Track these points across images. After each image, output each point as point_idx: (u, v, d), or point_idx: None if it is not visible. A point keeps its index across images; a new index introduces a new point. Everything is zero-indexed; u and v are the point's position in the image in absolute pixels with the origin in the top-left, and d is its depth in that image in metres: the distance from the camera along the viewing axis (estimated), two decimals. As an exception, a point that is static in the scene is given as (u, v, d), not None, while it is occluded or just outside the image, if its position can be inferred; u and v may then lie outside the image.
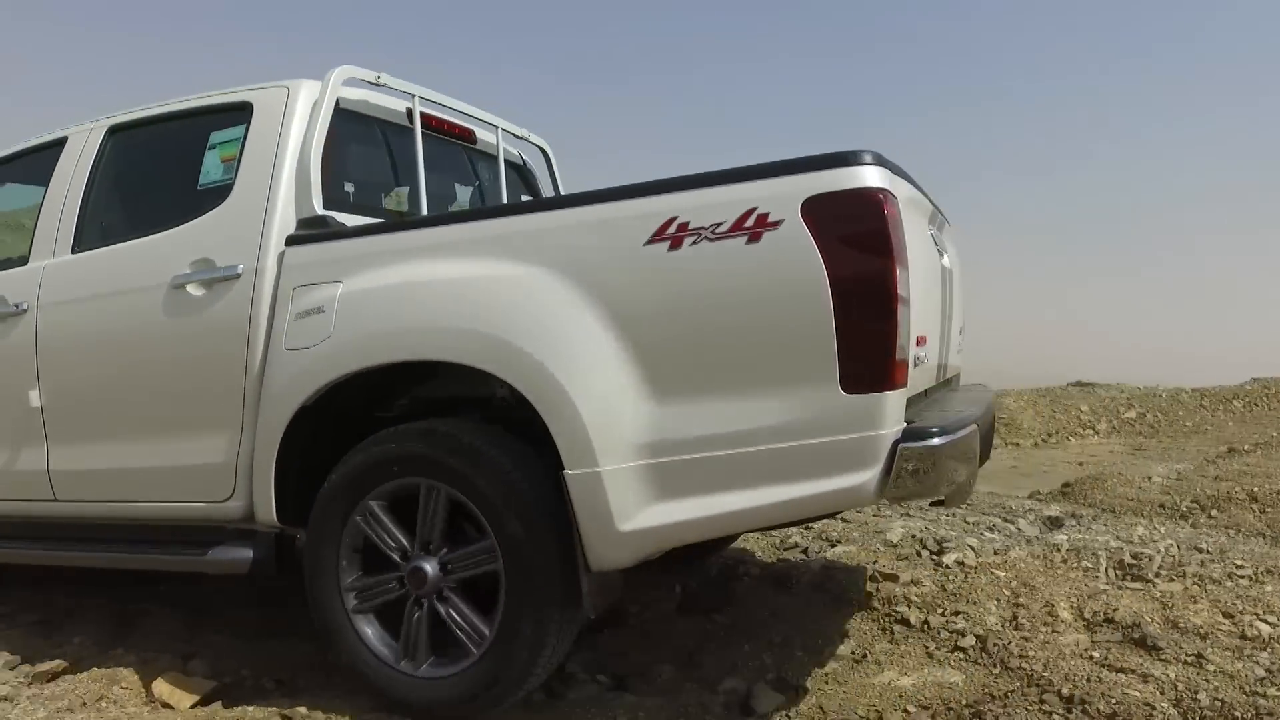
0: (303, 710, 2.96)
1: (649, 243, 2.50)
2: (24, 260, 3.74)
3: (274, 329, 3.04)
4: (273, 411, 2.99)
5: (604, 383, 2.53)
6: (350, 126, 3.55)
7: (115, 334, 3.41)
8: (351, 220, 3.25)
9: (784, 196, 2.37)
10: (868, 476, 2.31)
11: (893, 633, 3.65)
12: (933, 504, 3.60)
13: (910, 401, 2.51)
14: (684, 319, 2.48)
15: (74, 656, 3.59)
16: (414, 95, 3.68)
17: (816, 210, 2.34)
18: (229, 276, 3.16)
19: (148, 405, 3.35)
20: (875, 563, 4.45)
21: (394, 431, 2.91)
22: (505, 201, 4.13)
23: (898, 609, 3.81)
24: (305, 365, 2.94)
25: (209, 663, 3.49)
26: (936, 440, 2.34)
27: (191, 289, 3.23)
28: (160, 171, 3.74)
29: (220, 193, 3.32)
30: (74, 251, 3.62)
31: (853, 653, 3.47)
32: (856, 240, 2.32)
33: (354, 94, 3.55)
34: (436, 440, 2.79)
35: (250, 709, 3.02)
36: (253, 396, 3.06)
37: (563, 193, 4.51)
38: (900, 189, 2.49)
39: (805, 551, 4.78)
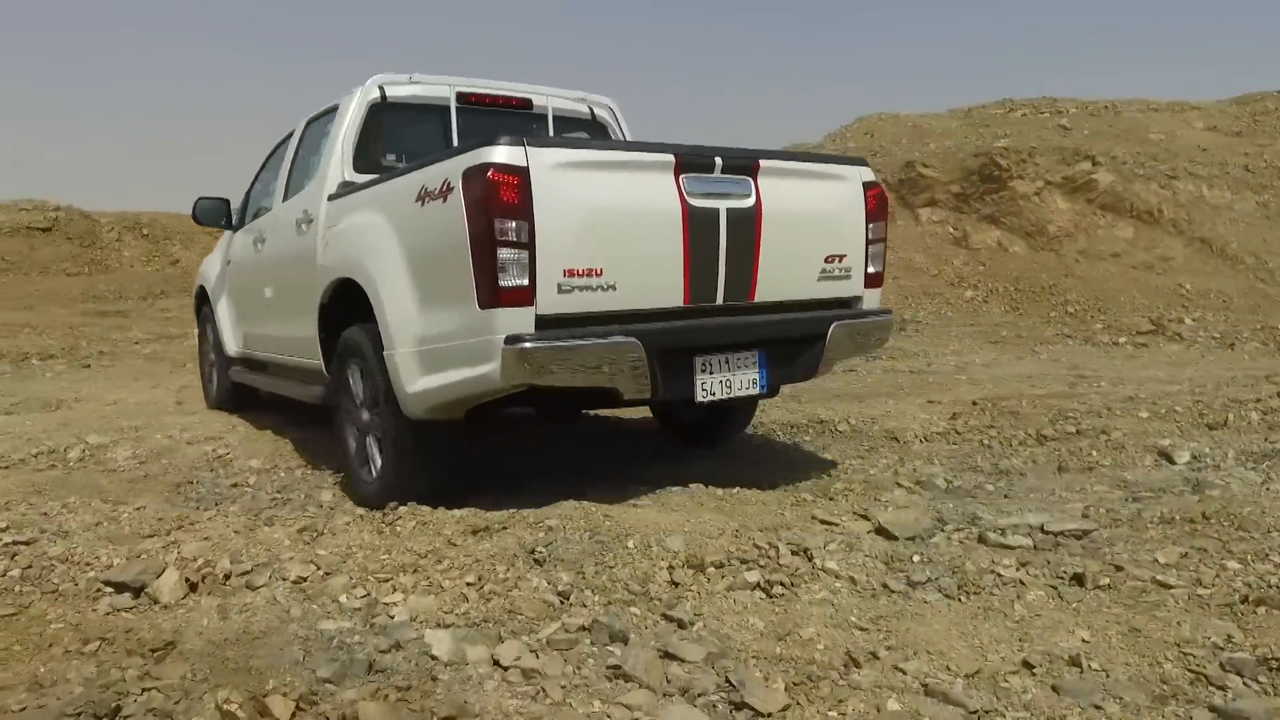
0: None
1: (414, 200, 3.50)
2: (269, 210, 5.56)
3: (321, 254, 4.45)
4: (315, 305, 4.46)
5: (399, 295, 3.62)
6: (399, 114, 4.77)
7: (280, 254, 5.17)
8: None
9: (456, 170, 3.23)
10: (492, 366, 3.19)
11: None
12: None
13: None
14: (424, 253, 3.52)
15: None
16: (450, 85, 4.79)
17: (466, 180, 3.17)
18: (310, 220, 4.64)
19: (293, 297, 4.89)
20: None
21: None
22: None
23: None
24: (321, 277, 4.41)
25: None
26: (525, 344, 3.12)
27: (302, 227, 4.72)
28: (313, 150, 5.02)
29: (320, 166, 4.72)
30: (283, 202, 5.28)
31: None
32: (477, 201, 3.13)
33: (405, 90, 4.74)
34: (349, 336, 4.14)
35: None
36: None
37: (628, 138, 5.24)
38: (545, 159, 3.16)
39: None
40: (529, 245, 3.09)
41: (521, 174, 3.09)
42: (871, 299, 4.16)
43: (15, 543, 3.15)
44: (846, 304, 4.09)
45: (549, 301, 3.18)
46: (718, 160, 3.52)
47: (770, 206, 3.64)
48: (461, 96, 4.75)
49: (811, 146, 22.97)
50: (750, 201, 3.60)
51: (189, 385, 7.93)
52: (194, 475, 4.88)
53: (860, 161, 4.12)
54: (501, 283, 3.09)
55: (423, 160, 3.57)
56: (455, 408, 3.60)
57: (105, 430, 5.83)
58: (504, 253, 3.07)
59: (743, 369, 3.71)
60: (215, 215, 6.16)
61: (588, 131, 5.19)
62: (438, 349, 3.42)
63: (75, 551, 3.11)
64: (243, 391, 6.39)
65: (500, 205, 3.06)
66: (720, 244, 3.53)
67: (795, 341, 3.89)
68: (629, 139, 5.15)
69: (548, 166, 3.15)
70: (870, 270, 4.08)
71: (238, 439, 5.65)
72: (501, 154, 3.10)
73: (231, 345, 6.37)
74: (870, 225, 4.03)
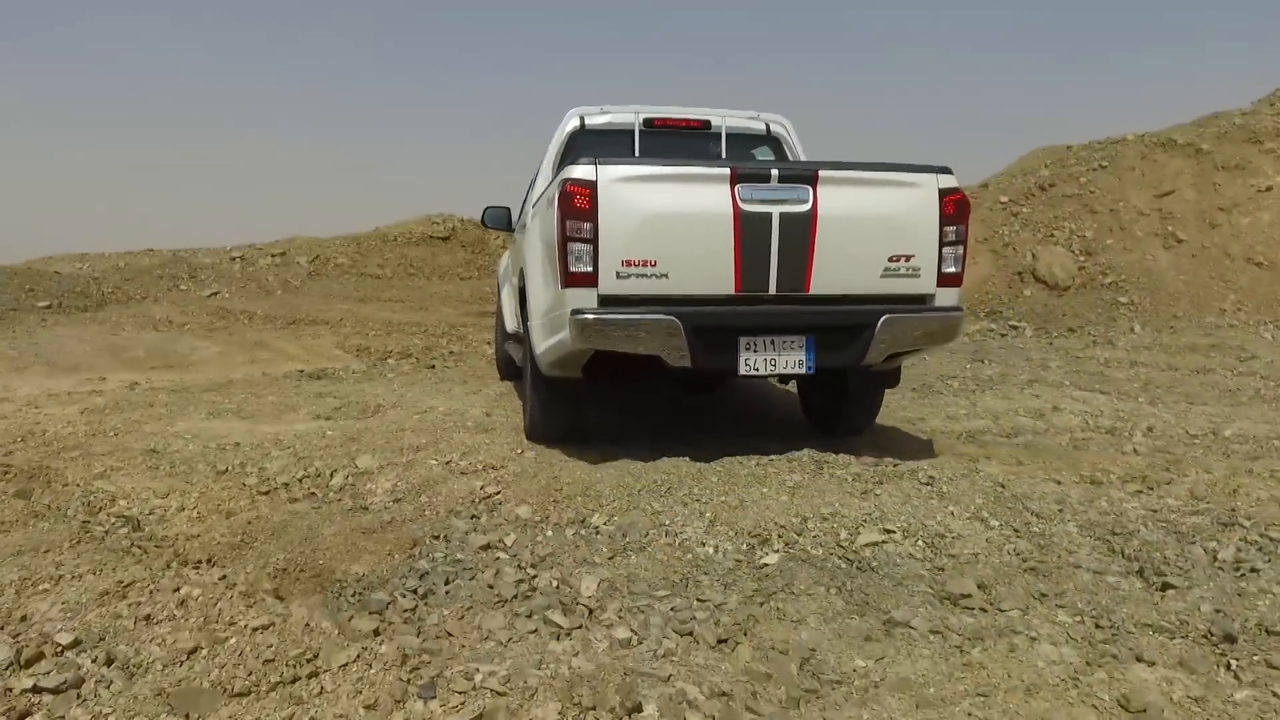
0: None
1: (546, 206, 4.09)
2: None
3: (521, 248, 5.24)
4: (517, 287, 5.27)
5: (534, 279, 4.40)
6: (594, 138, 5.19)
7: (516, 250, 5.98)
8: None
9: (556, 184, 3.87)
10: (565, 333, 3.78)
11: None
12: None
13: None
14: (544, 247, 4.11)
15: None
16: (635, 113, 5.17)
17: (559, 191, 3.77)
18: (525, 224, 5.33)
19: (514, 283, 5.70)
20: None
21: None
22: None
23: None
24: (519, 266, 5.19)
25: None
26: (586, 316, 3.69)
27: (524, 228, 5.36)
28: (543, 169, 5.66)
29: (538, 181, 5.41)
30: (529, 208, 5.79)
31: None
32: (560, 206, 3.73)
33: (599, 119, 5.26)
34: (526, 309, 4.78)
35: None
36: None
37: (801, 155, 5.41)
38: (611, 174, 3.74)
39: None
40: (593, 240, 3.70)
41: (591, 186, 3.70)
42: (947, 297, 4.10)
43: (38, 689, 1.82)
44: (919, 300, 4.06)
45: (609, 285, 3.74)
46: (773, 171, 3.85)
47: (827, 210, 3.85)
48: (647, 121, 5.16)
49: (1241, 113, 17.99)
50: (805, 206, 3.83)
51: (508, 393, 6.89)
52: (443, 527, 3.51)
53: (942, 169, 4.06)
54: (571, 269, 3.72)
55: (553, 181, 4.18)
56: (565, 365, 4.10)
57: (385, 451, 4.75)
58: (574, 246, 3.70)
59: (789, 350, 3.95)
60: (499, 220, 6.55)
61: (766, 144, 5.44)
62: (547, 319, 4.05)
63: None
64: (514, 365, 6.66)
65: (573, 210, 3.69)
66: (772, 242, 3.82)
67: (845, 330, 3.98)
68: (800, 153, 5.41)
69: (613, 180, 3.73)
70: (946, 270, 4.06)
71: (518, 470, 4.25)
72: (578, 171, 3.74)
73: (509, 324, 6.82)
74: (945, 229, 4.01)
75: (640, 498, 3.73)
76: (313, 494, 4.12)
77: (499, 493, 3.96)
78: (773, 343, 3.93)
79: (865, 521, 3.23)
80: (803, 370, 3.97)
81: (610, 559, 3.15)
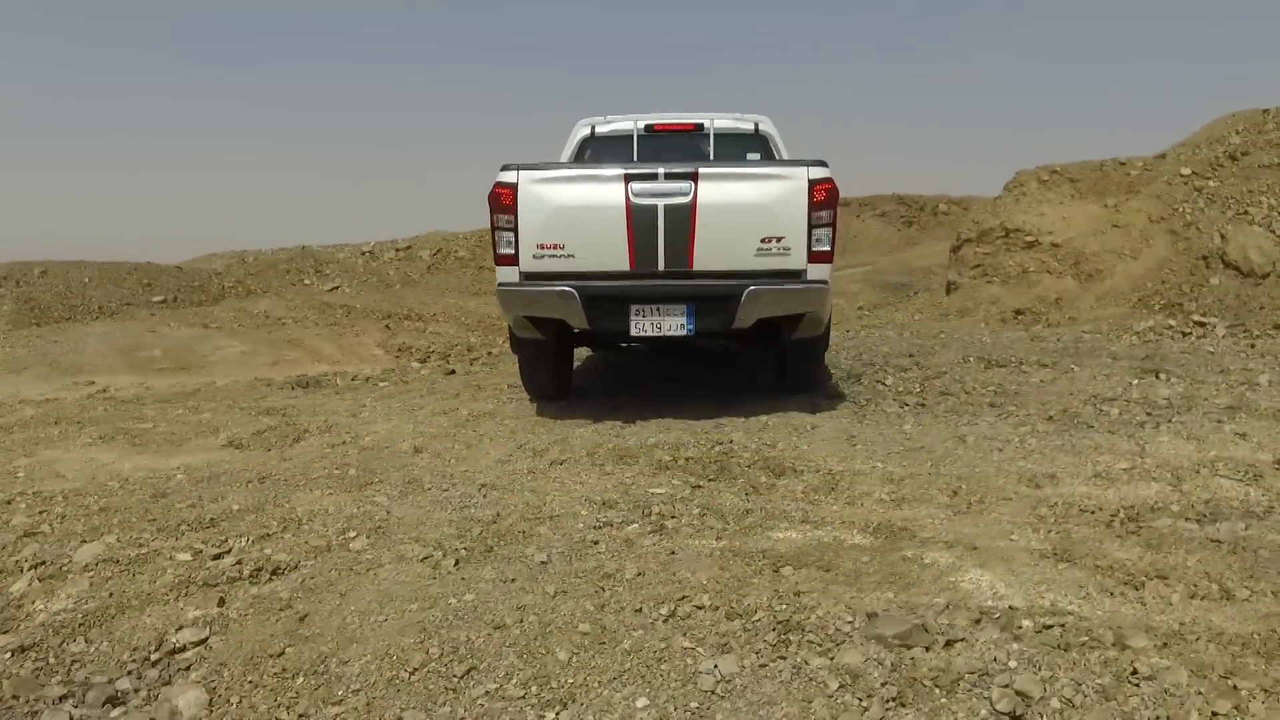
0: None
1: None
2: None
3: None
4: None
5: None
6: (602, 143, 5.47)
7: None
8: None
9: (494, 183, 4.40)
10: (500, 301, 4.51)
11: None
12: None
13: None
14: None
15: None
16: (635, 120, 5.43)
17: (490, 191, 4.37)
18: None
19: None
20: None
21: None
22: (712, 159, 5.37)
23: None
24: None
25: None
26: (507, 288, 4.35)
27: None
28: None
29: None
30: None
31: None
32: (492, 203, 4.35)
33: (605, 127, 5.50)
34: None
35: None
36: None
37: (783, 149, 5.51)
38: (529, 177, 4.30)
39: None
40: (514, 229, 4.32)
41: (513, 187, 4.30)
42: (818, 272, 4.39)
43: None
44: (792, 275, 4.36)
45: (527, 264, 4.33)
46: (660, 171, 4.31)
47: (705, 201, 4.30)
48: (647, 127, 5.41)
49: None
50: (687, 198, 4.29)
51: (494, 413, 5.02)
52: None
53: (815, 163, 4.36)
54: (500, 251, 4.37)
55: None
56: (519, 327, 4.65)
57: (152, 527, 3.01)
58: (502, 234, 4.34)
59: (672, 316, 4.42)
60: None
61: (753, 141, 5.57)
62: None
63: None
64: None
65: (500, 205, 4.32)
66: (659, 228, 4.31)
67: (718, 299, 4.38)
68: (783, 148, 5.52)
69: (530, 181, 4.31)
70: (815, 249, 4.34)
71: (300, 580, 2.38)
72: (504, 175, 4.32)
73: None
74: (814, 213, 4.31)
75: None
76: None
77: (202, 643, 2.10)
78: (658, 309, 4.41)
79: None
80: (684, 332, 4.43)
81: None
